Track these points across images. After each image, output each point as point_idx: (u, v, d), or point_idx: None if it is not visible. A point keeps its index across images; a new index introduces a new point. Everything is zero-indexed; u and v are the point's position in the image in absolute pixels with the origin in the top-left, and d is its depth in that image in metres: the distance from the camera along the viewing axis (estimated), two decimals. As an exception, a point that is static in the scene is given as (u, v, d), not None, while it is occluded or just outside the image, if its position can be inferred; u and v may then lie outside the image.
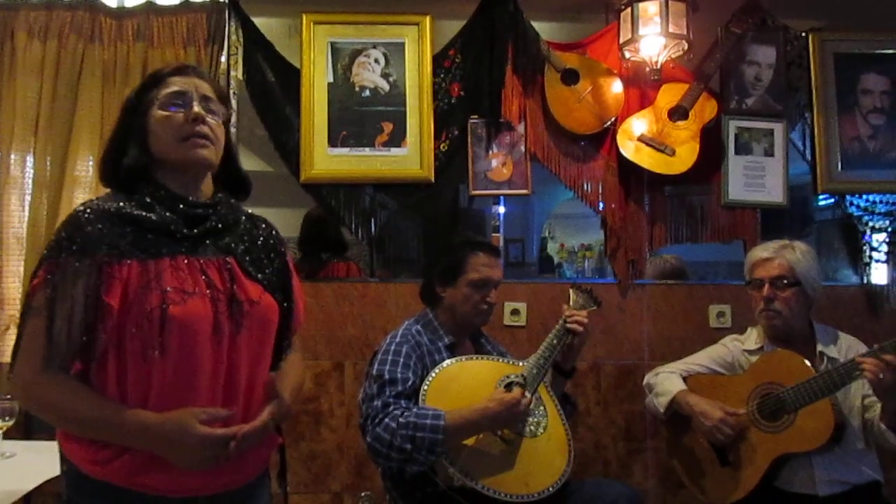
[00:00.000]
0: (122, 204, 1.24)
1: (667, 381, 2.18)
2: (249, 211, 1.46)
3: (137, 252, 1.21)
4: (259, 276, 1.34)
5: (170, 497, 1.21)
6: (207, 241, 1.30)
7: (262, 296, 1.32)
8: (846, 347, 2.09)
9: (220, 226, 1.32)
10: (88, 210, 1.23)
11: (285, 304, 1.39)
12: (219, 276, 1.28)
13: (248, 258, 1.34)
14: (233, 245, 1.34)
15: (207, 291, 1.24)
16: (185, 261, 1.25)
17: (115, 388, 1.19)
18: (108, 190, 1.32)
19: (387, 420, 1.77)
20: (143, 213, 1.24)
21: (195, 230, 1.28)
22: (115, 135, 1.32)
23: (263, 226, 1.45)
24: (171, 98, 1.29)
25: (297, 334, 1.47)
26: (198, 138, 1.28)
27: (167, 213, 1.25)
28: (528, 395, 1.84)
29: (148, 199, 1.26)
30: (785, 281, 2.07)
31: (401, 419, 1.75)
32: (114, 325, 1.17)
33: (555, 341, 2.00)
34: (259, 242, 1.39)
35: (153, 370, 1.18)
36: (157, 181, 1.28)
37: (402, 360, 1.90)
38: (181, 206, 1.27)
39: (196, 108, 1.29)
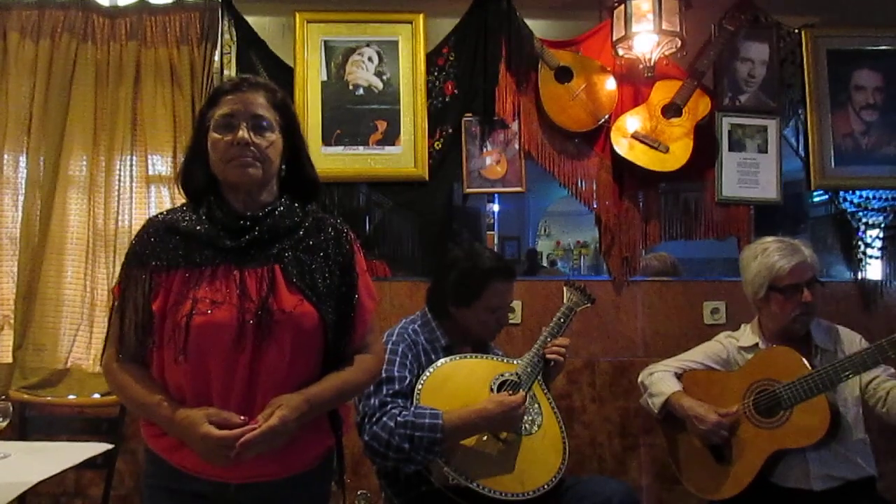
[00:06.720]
0: (177, 217, 1.37)
1: (661, 382, 2.17)
2: (320, 214, 1.46)
3: (184, 262, 1.32)
4: (303, 285, 1.34)
5: (202, 478, 1.32)
6: (252, 251, 1.34)
7: (298, 305, 1.32)
8: (845, 342, 2.09)
9: (267, 235, 1.35)
10: (152, 223, 1.40)
11: (333, 316, 1.36)
12: (256, 285, 1.31)
13: (295, 267, 1.35)
14: (283, 253, 1.36)
15: (237, 302, 1.29)
16: (224, 271, 1.32)
17: (162, 384, 1.34)
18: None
19: (384, 419, 1.76)
20: (193, 226, 1.35)
21: (242, 241, 1.34)
22: (189, 149, 1.43)
23: (330, 230, 1.43)
24: (221, 121, 1.34)
25: (370, 335, 1.46)
26: (240, 160, 1.33)
27: (215, 226, 1.34)
28: (527, 397, 1.84)
29: (203, 213, 1.36)
30: (815, 282, 2.06)
31: (399, 418, 1.75)
32: (158, 330, 1.30)
33: (549, 339, 2.01)
34: (318, 250, 1.39)
35: (181, 374, 1.30)
36: (220, 195, 1.38)
37: (398, 358, 1.89)
38: (231, 218, 1.35)
39: (241, 132, 1.32)
